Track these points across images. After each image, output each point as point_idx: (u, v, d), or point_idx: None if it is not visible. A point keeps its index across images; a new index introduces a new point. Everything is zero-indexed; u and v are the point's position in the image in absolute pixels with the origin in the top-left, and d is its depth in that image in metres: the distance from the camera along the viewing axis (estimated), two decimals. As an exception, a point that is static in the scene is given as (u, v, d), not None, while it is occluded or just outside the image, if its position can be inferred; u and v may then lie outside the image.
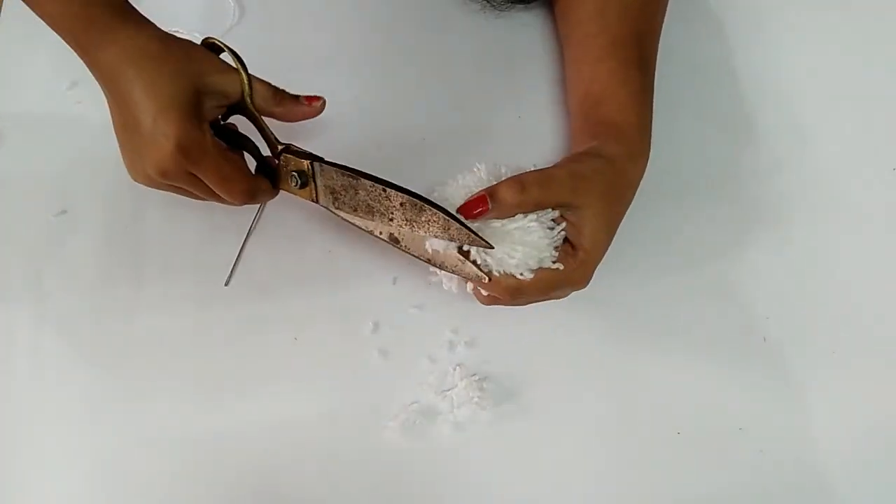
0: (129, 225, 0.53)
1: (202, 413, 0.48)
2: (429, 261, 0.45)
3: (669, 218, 0.53)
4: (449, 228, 0.41)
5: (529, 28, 0.60)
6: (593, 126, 0.49)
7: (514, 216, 0.43)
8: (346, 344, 0.50)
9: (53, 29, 0.42)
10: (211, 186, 0.44)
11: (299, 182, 0.46)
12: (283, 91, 0.47)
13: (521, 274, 0.42)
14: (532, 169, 0.44)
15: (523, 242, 0.42)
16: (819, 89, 0.59)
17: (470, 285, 0.46)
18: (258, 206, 0.53)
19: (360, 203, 0.44)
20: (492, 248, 0.42)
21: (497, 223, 0.43)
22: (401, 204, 0.42)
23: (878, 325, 0.52)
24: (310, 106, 0.47)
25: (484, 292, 0.45)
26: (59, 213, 0.53)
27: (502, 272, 0.43)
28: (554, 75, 0.58)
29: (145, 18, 0.44)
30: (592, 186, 0.43)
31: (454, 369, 0.49)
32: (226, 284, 0.52)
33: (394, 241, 0.45)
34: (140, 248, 0.52)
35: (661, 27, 0.53)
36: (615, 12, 0.51)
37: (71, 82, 0.56)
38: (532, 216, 0.42)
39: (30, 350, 0.50)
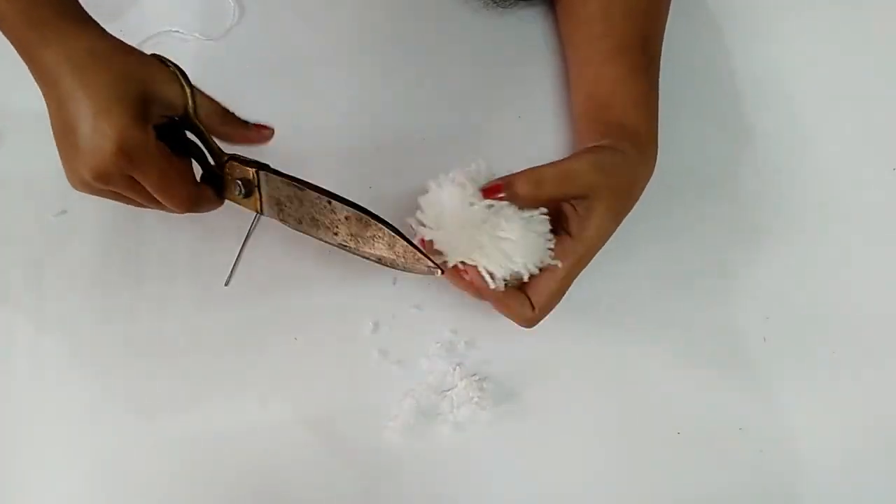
0: (128, 225, 0.53)
1: (202, 413, 0.49)
2: (379, 260, 0.44)
3: (669, 217, 0.53)
4: (394, 246, 0.41)
5: (530, 26, 0.60)
6: (601, 128, 0.49)
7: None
8: (346, 344, 0.50)
9: None
10: (151, 191, 0.43)
11: (243, 191, 0.45)
12: (232, 114, 0.46)
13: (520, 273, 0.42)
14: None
15: (517, 247, 0.42)
16: (819, 89, 0.59)
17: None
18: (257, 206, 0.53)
19: (305, 215, 0.44)
20: (441, 271, 0.42)
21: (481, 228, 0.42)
22: (346, 217, 0.42)
23: (878, 325, 0.52)
24: (258, 133, 0.47)
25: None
26: (59, 214, 0.53)
27: (506, 279, 0.43)
28: (554, 75, 0.58)
29: (95, 21, 0.43)
30: (609, 182, 0.43)
31: (454, 369, 0.49)
32: (226, 284, 0.52)
33: (342, 246, 0.45)
34: (140, 248, 0.52)
35: (664, 29, 0.53)
36: (620, 14, 0.51)
37: (71, 82, 0.56)
38: (520, 219, 0.42)
39: (30, 350, 0.50)
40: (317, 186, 0.42)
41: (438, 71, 0.58)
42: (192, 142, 0.46)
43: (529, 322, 0.45)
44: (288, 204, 0.44)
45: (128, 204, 0.45)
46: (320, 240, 0.45)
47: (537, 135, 0.56)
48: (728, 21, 0.61)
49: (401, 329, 0.51)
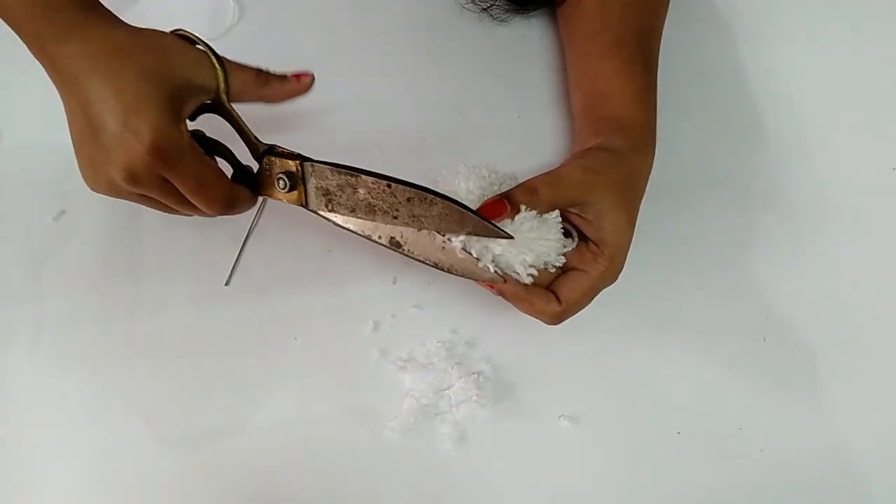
0: (128, 225, 0.53)
1: (202, 413, 0.49)
2: (436, 265, 0.43)
3: (669, 218, 0.53)
4: (463, 221, 0.40)
5: (530, 30, 0.60)
6: (597, 122, 0.49)
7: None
8: (346, 344, 0.50)
9: (7, 19, 0.39)
10: (186, 193, 0.41)
11: (288, 184, 0.43)
12: (267, 71, 0.44)
13: (546, 266, 0.43)
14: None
15: (532, 242, 0.42)
16: (820, 89, 0.59)
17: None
18: (258, 205, 0.53)
19: (360, 202, 0.42)
20: (511, 237, 0.41)
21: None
22: (408, 199, 0.40)
23: (877, 325, 0.52)
24: (298, 82, 0.44)
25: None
26: (58, 214, 0.53)
27: (520, 272, 0.43)
28: (554, 75, 0.58)
29: (115, 15, 0.41)
30: (602, 179, 0.43)
31: (453, 368, 0.49)
32: (226, 284, 0.52)
33: (395, 245, 0.43)
34: (139, 248, 0.52)
35: (662, 25, 0.53)
36: (618, 9, 0.51)
37: (71, 82, 0.56)
38: (534, 216, 0.42)
39: (30, 350, 0.50)
40: (372, 171, 0.41)
41: (438, 70, 0.58)
42: (218, 141, 0.45)
43: (555, 317, 0.44)
44: (339, 193, 0.42)
45: (153, 207, 0.43)
46: (367, 237, 0.43)
47: (537, 135, 0.56)
48: (730, 22, 0.61)
49: (401, 329, 0.51)
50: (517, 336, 0.50)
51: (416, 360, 0.49)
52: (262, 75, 0.44)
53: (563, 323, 0.50)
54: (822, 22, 0.61)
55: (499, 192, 0.42)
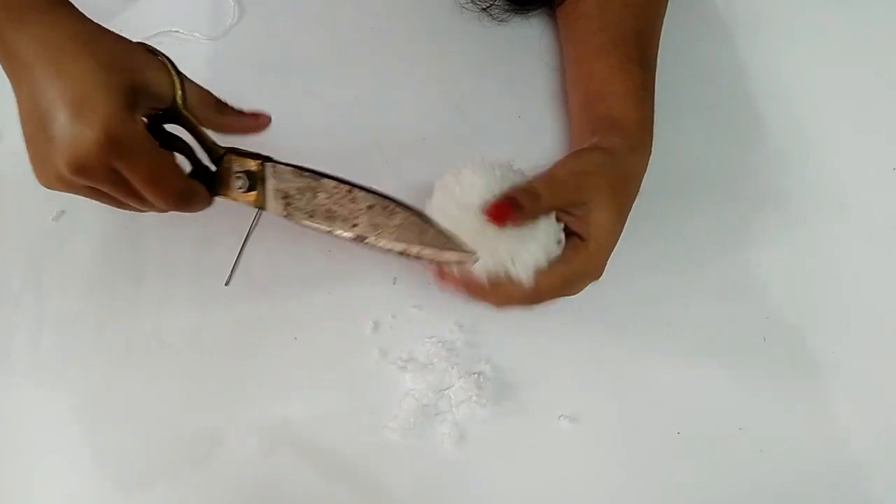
0: (128, 225, 0.53)
1: (202, 413, 0.49)
2: (401, 253, 0.42)
3: (669, 218, 0.53)
4: (424, 233, 0.39)
5: (530, 29, 0.60)
6: (593, 122, 0.49)
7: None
8: (346, 344, 0.50)
9: None
10: (138, 185, 0.39)
11: (247, 184, 0.42)
12: (225, 103, 0.44)
13: (529, 271, 0.42)
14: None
15: (523, 239, 0.42)
16: (820, 89, 0.59)
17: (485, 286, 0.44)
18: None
19: (318, 207, 0.41)
20: (473, 253, 0.41)
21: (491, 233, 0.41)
22: (369, 207, 0.40)
23: (878, 325, 0.52)
24: (254, 121, 0.44)
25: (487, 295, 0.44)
26: (58, 214, 0.53)
27: (508, 271, 0.42)
28: (553, 75, 0.58)
29: (77, 9, 0.40)
30: (596, 181, 0.43)
31: (453, 368, 0.49)
32: (226, 284, 0.52)
33: (360, 239, 0.42)
34: (139, 248, 0.52)
35: (661, 25, 0.53)
36: (616, 9, 0.51)
37: (71, 82, 0.56)
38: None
39: (30, 350, 0.50)
40: (334, 175, 0.40)
41: (438, 70, 0.58)
42: (177, 136, 0.44)
43: (523, 295, 0.43)
44: (298, 196, 0.41)
45: (104, 202, 0.42)
46: (331, 234, 0.42)
47: (537, 135, 0.56)
48: (730, 21, 0.61)
49: (401, 329, 0.51)
50: (517, 336, 0.50)
51: (416, 360, 0.49)
52: (219, 104, 0.43)
53: (563, 323, 0.51)
54: (821, 21, 0.61)
55: (503, 191, 0.42)
